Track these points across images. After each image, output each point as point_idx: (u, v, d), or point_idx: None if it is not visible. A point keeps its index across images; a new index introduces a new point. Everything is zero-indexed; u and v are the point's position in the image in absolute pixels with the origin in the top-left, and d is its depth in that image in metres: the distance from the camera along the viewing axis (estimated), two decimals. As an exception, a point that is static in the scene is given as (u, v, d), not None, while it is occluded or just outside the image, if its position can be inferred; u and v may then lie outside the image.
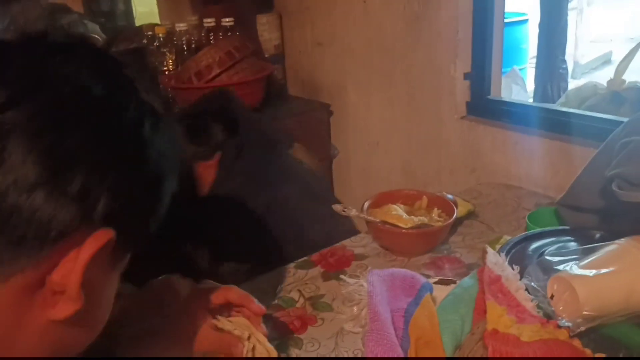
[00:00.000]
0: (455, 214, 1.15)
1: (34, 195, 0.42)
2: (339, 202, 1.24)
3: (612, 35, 5.91)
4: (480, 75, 1.55)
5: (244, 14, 2.04)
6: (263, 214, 1.16)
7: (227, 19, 1.92)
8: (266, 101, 1.96)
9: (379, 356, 0.66)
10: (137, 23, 2.80)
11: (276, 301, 1.04)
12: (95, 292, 0.49)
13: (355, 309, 0.95)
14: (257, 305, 0.78)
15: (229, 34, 1.91)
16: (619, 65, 1.55)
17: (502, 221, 1.28)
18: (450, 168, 1.66)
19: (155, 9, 2.80)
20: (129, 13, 3.06)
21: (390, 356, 0.66)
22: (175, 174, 0.53)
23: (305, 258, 1.18)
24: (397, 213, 1.18)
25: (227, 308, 0.80)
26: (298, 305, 1.03)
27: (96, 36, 2.11)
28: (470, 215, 1.29)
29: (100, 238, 0.46)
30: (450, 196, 1.25)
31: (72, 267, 0.45)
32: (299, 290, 1.07)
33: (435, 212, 1.20)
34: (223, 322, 0.76)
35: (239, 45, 1.82)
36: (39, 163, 0.42)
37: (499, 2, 1.53)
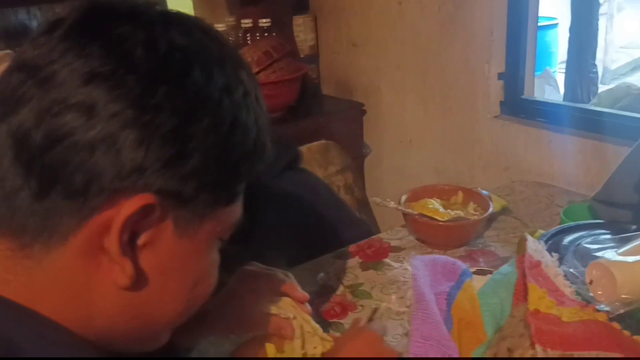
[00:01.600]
0: (491, 208, 1.19)
1: (96, 154, 0.44)
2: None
3: (643, 42, 5.84)
4: (514, 75, 1.58)
5: (281, 15, 2.09)
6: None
7: (264, 20, 1.97)
8: (300, 100, 2.01)
9: (424, 334, 0.70)
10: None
11: (316, 289, 1.08)
12: (164, 261, 0.50)
13: (393, 297, 1.00)
14: (300, 293, 0.80)
15: (266, 34, 1.97)
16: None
17: (535, 217, 1.30)
18: (482, 166, 1.69)
19: (192, 12, 2.88)
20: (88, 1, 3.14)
21: (436, 334, 0.70)
22: (259, 154, 0.54)
23: (343, 249, 1.22)
24: (434, 207, 1.21)
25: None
26: (338, 292, 1.07)
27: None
28: (504, 211, 1.32)
29: (134, 203, 0.45)
30: (484, 192, 1.28)
31: (111, 231, 0.46)
32: (338, 279, 1.11)
33: (471, 206, 1.23)
34: (269, 306, 0.80)
35: (276, 45, 1.87)
36: (123, 121, 0.44)
37: (533, 3, 1.56)
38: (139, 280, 0.49)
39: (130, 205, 0.46)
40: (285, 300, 0.80)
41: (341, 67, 2.12)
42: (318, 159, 1.73)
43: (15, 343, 0.45)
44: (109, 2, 0.50)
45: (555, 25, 4.30)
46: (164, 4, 3.02)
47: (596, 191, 1.16)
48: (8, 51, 1.80)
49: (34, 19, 2.05)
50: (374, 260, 1.17)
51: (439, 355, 0.69)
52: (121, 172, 0.45)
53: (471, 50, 1.63)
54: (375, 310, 0.75)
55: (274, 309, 0.79)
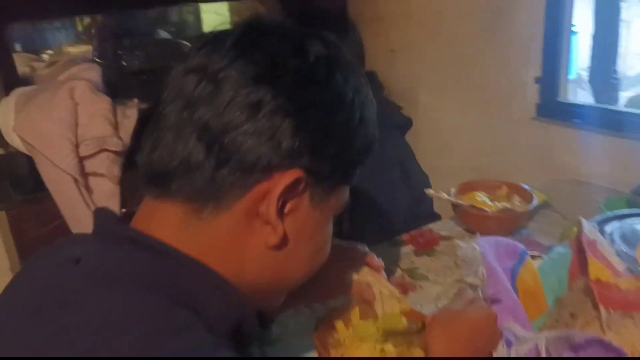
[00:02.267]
0: (535, 200, 1.28)
1: (262, 139, 0.55)
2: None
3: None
4: (550, 79, 1.68)
5: (321, 22, 2.20)
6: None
7: (306, 27, 2.08)
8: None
9: (498, 297, 0.80)
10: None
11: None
12: (300, 227, 0.61)
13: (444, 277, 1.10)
14: (377, 262, 0.91)
15: (308, 40, 2.08)
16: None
17: (576, 212, 1.38)
18: (520, 166, 1.78)
19: (228, 19, 3.00)
20: (199, 23, 3.27)
21: (509, 301, 0.80)
22: (373, 145, 0.64)
23: (396, 238, 1.33)
24: (482, 199, 1.31)
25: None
26: (397, 275, 1.18)
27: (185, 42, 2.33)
28: (545, 205, 1.41)
29: (289, 176, 0.56)
30: (526, 187, 1.38)
31: (269, 199, 0.57)
32: (396, 263, 1.22)
33: (516, 199, 1.33)
34: (351, 275, 0.90)
35: (320, 51, 1.98)
36: (279, 120, 0.55)
37: (568, 12, 1.66)
38: (283, 241, 0.60)
39: (286, 178, 0.56)
40: (365, 270, 0.91)
41: (379, 72, 2.22)
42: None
43: (193, 294, 0.56)
44: (263, 21, 0.62)
45: (574, 32, 4.38)
46: (198, 14, 3.12)
47: (634, 186, 1.25)
48: (71, 57, 1.93)
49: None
50: (427, 248, 1.28)
51: (510, 318, 0.78)
52: (280, 153, 0.56)
53: (509, 56, 1.73)
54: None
55: (355, 277, 0.90)
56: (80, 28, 2.95)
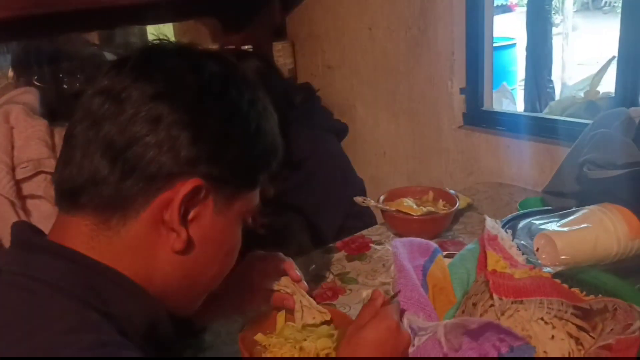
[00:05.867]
0: (457, 203, 1.36)
1: (162, 150, 0.60)
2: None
3: (597, 58, 6.18)
4: (474, 89, 1.78)
5: (261, 42, 2.27)
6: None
7: (246, 47, 2.15)
8: (282, 119, 2.18)
9: (407, 295, 0.86)
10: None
11: (309, 278, 1.24)
12: (205, 232, 0.66)
13: (378, 280, 1.17)
14: (295, 273, 0.95)
15: (248, 59, 2.14)
16: (593, 78, 1.78)
17: (497, 212, 1.48)
18: (450, 172, 1.88)
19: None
20: (145, 44, 3.29)
21: (416, 295, 0.86)
22: (274, 153, 0.70)
23: (330, 245, 1.39)
24: (408, 204, 1.39)
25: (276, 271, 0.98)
26: (328, 280, 1.23)
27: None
28: (469, 207, 1.50)
29: (189, 185, 0.61)
30: (452, 191, 1.47)
31: (172, 207, 0.62)
32: (328, 269, 1.28)
33: (441, 203, 1.41)
34: (272, 284, 0.95)
35: (259, 69, 2.04)
36: (178, 131, 0.60)
37: (489, 26, 1.77)
38: (188, 246, 0.65)
39: (186, 187, 0.62)
40: (286, 279, 0.96)
41: (318, 88, 2.30)
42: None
43: (103, 295, 0.60)
44: (161, 44, 0.68)
45: (513, 45, 4.58)
46: (145, 34, 3.16)
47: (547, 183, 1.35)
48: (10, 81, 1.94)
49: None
50: (358, 252, 1.34)
51: (419, 311, 0.85)
52: (180, 162, 0.61)
53: (435, 69, 1.82)
54: (396, 295, 0.84)
55: (276, 286, 0.94)
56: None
